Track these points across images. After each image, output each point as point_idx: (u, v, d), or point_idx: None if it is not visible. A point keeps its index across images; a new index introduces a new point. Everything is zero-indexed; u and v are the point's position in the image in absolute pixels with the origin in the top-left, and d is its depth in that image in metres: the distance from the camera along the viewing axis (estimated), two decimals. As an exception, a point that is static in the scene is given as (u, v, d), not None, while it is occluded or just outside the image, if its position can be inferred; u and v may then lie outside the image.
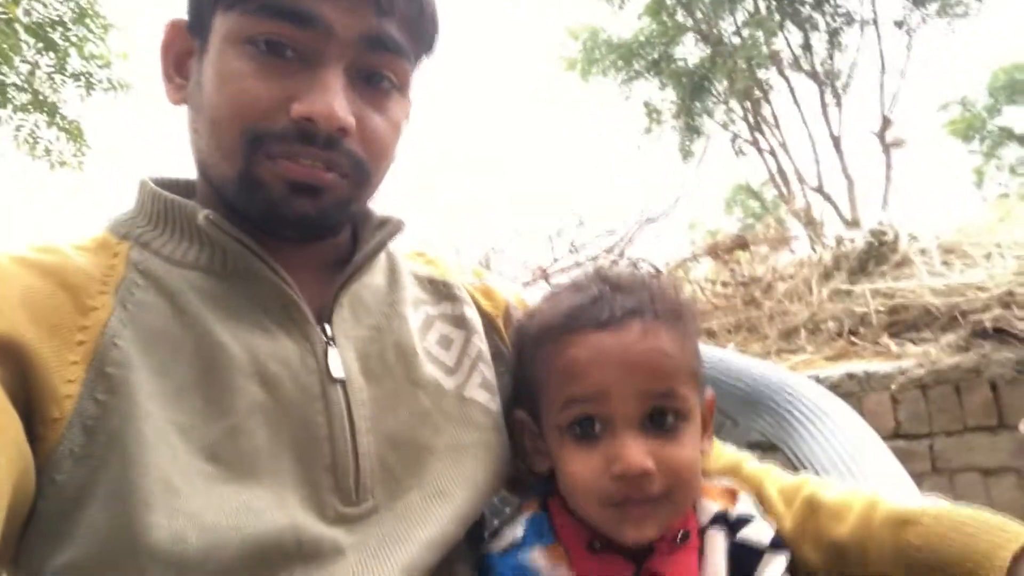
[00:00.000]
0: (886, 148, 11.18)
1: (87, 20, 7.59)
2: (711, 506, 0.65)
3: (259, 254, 0.60)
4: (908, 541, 0.58)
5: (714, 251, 5.11)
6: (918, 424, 2.63)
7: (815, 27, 11.49)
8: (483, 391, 0.71)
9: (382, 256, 0.74)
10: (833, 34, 11.47)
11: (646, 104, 12.95)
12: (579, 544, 0.62)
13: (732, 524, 0.63)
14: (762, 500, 0.68)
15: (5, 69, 7.17)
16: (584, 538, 0.62)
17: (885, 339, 3.06)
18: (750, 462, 0.75)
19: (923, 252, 3.60)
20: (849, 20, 11.36)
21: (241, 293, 0.61)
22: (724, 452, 0.77)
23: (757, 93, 11.72)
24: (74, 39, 7.63)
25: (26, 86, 7.51)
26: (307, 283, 0.64)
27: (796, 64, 11.61)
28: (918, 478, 0.80)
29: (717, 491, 0.67)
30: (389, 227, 0.71)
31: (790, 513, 0.66)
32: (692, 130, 12.80)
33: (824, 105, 11.51)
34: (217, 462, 0.54)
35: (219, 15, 0.60)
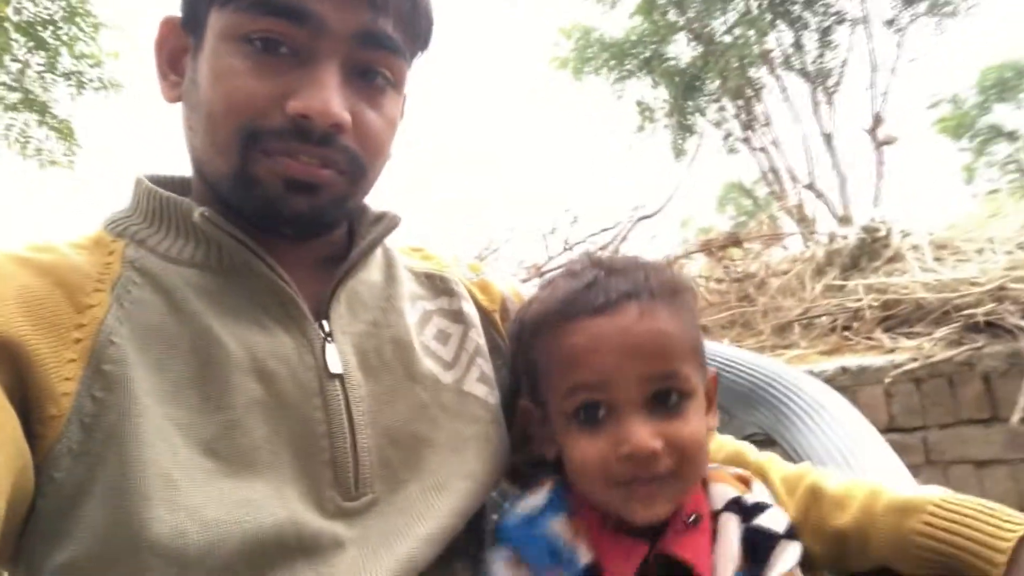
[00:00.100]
0: (877, 145, 11.22)
1: (78, 19, 7.55)
2: (726, 491, 0.65)
3: (255, 251, 0.60)
4: (911, 528, 0.58)
5: (707, 248, 5.12)
6: (912, 417, 2.65)
7: (806, 26, 11.53)
8: (481, 385, 0.72)
9: (378, 252, 0.74)
10: (824, 33, 11.51)
11: (638, 103, 12.96)
12: (595, 522, 0.63)
13: (747, 510, 0.63)
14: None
15: (-5, 68, 7.13)
16: (598, 517, 0.63)
17: (878, 334, 3.07)
18: (752, 452, 0.75)
19: (915, 248, 3.62)
20: (840, 19, 11.40)
21: (238, 290, 0.61)
22: (726, 443, 0.77)
23: (749, 91, 11.75)
24: (65, 38, 7.59)
25: (16, 85, 7.46)
26: (304, 279, 0.64)
27: (787, 63, 11.65)
28: (912, 470, 0.81)
29: (731, 477, 0.67)
30: (385, 223, 0.71)
31: (793, 502, 0.67)
32: (684, 128, 12.82)
33: (815, 103, 11.55)
34: (216, 457, 0.54)
35: (214, 12, 0.60)
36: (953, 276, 3.05)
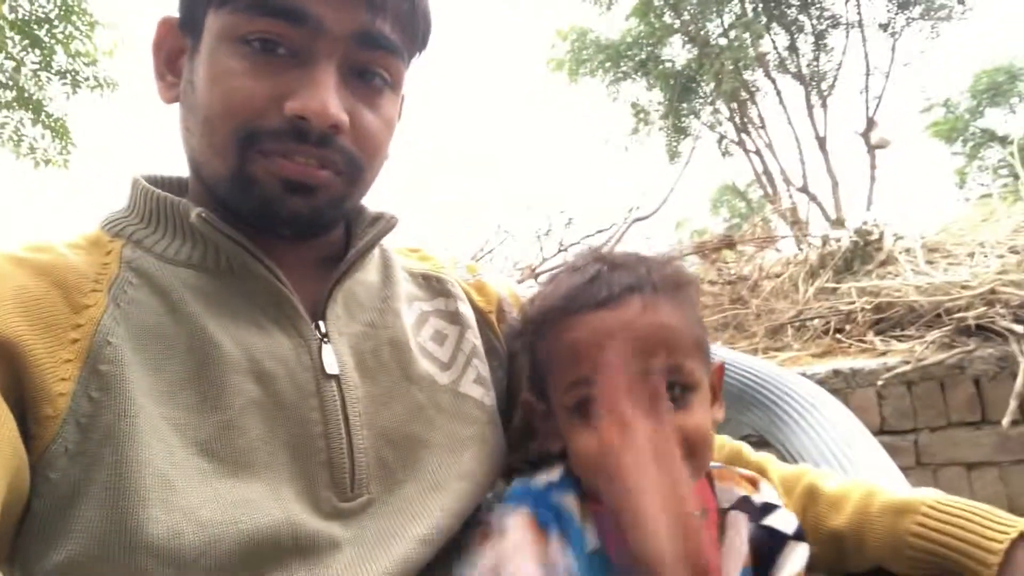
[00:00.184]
0: (871, 149, 11.27)
1: (73, 17, 7.50)
2: (735, 490, 0.65)
3: (253, 251, 0.60)
4: (906, 529, 0.59)
5: (701, 250, 5.13)
6: (903, 420, 2.67)
7: (801, 29, 11.58)
8: (477, 386, 0.72)
9: (375, 252, 0.74)
10: (819, 36, 11.56)
11: (633, 105, 12.99)
12: (601, 511, 0.62)
13: (756, 510, 0.63)
14: None
15: (-11, 65, 7.09)
16: (604, 507, 0.63)
17: (871, 336, 3.09)
18: (750, 451, 0.76)
19: (908, 251, 3.64)
20: (835, 23, 11.46)
21: (235, 291, 0.61)
22: (725, 442, 0.78)
23: (743, 94, 11.79)
24: (60, 36, 7.54)
25: (11, 83, 7.41)
26: (301, 280, 0.64)
27: (782, 66, 11.70)
28: (903, 472, 0.82)
29: (739, 477, 0.67)
30: (382, 223, 0.71)
31: (790, 502, 0.67)
32: (679, 131, 12.85)
33: (810, 106, 11.60)
34: (212, 458, 0.54)
35: (211, 13, 0.60)
36: (945, 279, 3.07)
